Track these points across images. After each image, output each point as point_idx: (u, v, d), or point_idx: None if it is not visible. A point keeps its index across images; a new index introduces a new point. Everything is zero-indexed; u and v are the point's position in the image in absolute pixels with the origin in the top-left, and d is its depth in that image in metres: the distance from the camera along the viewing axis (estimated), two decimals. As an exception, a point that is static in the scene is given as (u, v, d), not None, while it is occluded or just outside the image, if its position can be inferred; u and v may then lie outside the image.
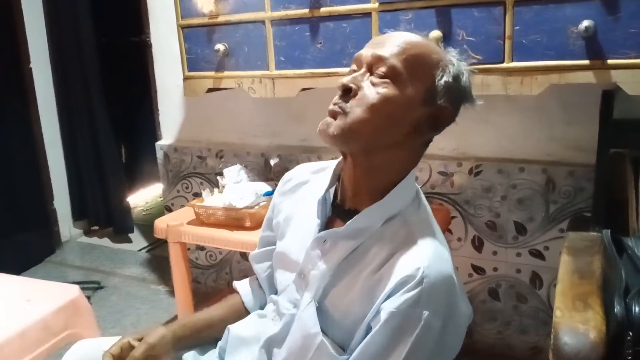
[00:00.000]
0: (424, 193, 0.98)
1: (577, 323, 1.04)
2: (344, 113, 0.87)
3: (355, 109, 0.86)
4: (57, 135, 3.22)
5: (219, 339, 1.11)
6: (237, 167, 2.04)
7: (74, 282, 1.46)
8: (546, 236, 1.83)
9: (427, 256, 0.83)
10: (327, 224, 0.98)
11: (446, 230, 1.93)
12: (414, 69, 0.87)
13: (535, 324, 1.92)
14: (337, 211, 0.97)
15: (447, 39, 1.49)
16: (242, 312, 1.16)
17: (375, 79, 0.87)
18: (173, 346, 1.05)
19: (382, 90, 0.86)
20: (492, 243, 1.92)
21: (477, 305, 1.97)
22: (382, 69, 0.87)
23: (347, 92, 0.88)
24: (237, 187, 1.92)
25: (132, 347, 1.02)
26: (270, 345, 1.01)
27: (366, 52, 0.90)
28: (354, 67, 0.92)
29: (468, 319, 0.90)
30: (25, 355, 1.23)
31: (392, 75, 0.86)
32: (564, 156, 1.78)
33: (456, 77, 0.90)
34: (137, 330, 1.08)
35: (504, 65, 1.45)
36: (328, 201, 0.98)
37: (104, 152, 3.23)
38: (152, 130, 2.62)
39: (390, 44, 0.89)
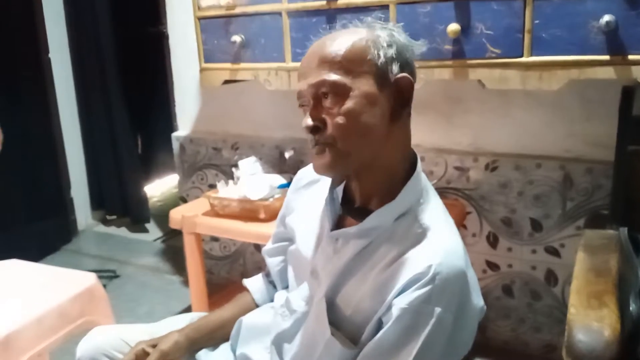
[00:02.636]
0: (439, 188, 0.97)
1: (591, 321, 1.03)
2: (331, 144, 0.86)
3: (337, 139, 0.86)
4: (76, 125, 3.26)
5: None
6: (252, 159, 2.05)
7: (90, 271, 1.48)
8: (562, 233, 1.81)
9: (439, 253, 0.82)
10: (338, 222, 0.98)
11: (461, 225, 1.92)
12: (350, 69, 0.85)
13: (550, 322, 1.90)
14: (347, 209, 0.97)
15: (465, 33, 1.47)
16: (253, 310, 1.17)
17: (328, 104, 0.86)
18: (187, 350, 1.08)
19: (343, 109, 0.85)
20: (507, 239, 1.91)
21: (491, 302, 1.96)
22: (325, 92, 0.86)
23: (317, 130, 0.87)
24: (252, 179, 1.93)
25: (146, 354, 1.03)
26: (281, 340, 1.02)
27: (302, 87, 0.89)
28: (302, 101, 0.90)
29: (480, 314, 0.89)
30: (42, 341, 1.25)
31: (338, 91, 0.85)
32: (582, 152, 1.76)
33: (391, 44, 0.88)
34: (152, 338, 1.08)
35: (523, 59, 1.43)
36: (337, 200, 0.98)
37: (121, 142, 3.27)
38: (168, 121, 2.64)
39: (313, 65, 0.87)
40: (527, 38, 1.41)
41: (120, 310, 1.45)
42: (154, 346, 1.04)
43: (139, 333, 1.13)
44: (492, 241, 1.93)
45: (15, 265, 1.51)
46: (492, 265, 1.95)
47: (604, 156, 1.68)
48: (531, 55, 1.42)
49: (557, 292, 1.87)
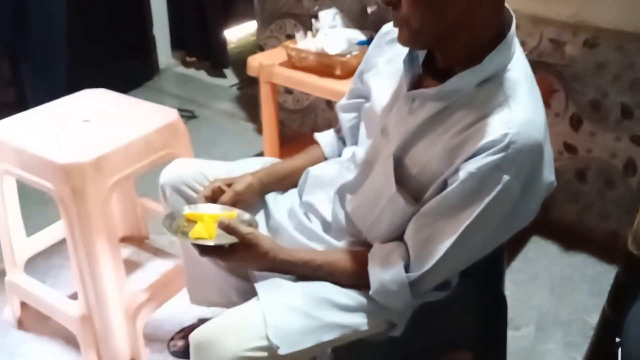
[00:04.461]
0: (530, 61, 0.90)
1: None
2: (406, 21, 0.83)
3: (410, 16, 0.82)
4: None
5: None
6: (333, 10, 1.97)
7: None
8: (654, 123, 1.70)
9: (518, 122, 0.80)
10: (417, 82, 0.95)
11: (546, 103, 1.81)
12: None
13: (618, 211, 1.86)
14: (428, 69, 0.93)
15: None
16: (322, 162, 1.21)
17: None
18: (258, 192, 1.15)
19: None
20: (592, 123, 1.81)
21: (560, 184, 1.90)
22: None
23: (394, 5, 0.83)
24: (331, 33, 1.88)
25: (222, 192, 1.10)
26: (344, 190, 1.05)
27: None
28: None
29: (549, 189, 0.88)
30: (129, 166, 1.36)
31: None
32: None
33: None
34: (228, 177, 1.14)
35: None
36: (417, 59, 0.94)
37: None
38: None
39: None
40: None
41: (197, 148, 1.54)
42: (229, 185, 1.12)
43: (217, 169, 1.21)
44: (575, 123, 1.83)
45: (104, 94, 1.60)
46: (570, 148, 1.88)
47: None
48: None
49: (632, 183, 1.80)
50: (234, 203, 1.08)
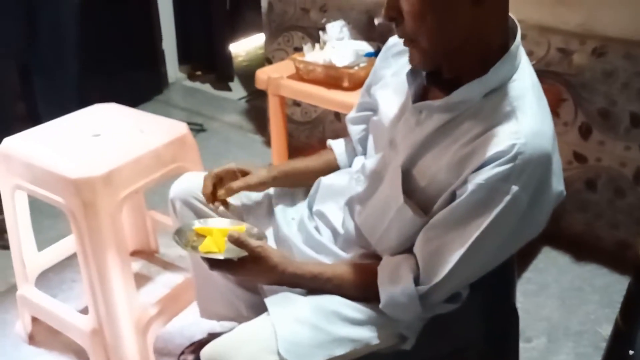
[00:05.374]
0: (537, 70, 0.90)
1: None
2: (414, 40, 0.84)
3: (415, 33, 0.83)
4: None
5: (309, 186, 1.19)
6: (340, 22, 1.98)
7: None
8: (664, 132, 1.69)
9: (525, 133, 0.79)
10: (423, 93, 0.95)
11: (554, 113, 1.81)
12: None
13: (629, 220, 1.85)
14: (433, 80, 0.93)
15: None
16: (334, 169, 1.21)
17: None
18: (269, 187, 1.16)
19: (416, 5, 0.80)
20: (601, 132, 1.80)
21: (570, 194, 1.89)
22: None
23: (396, 21, 0.84)
24: (339, 45, 1.89)
25: (234, 177, 1.11)
26: (353, 202, 1.06)
27: None
28: None
29: (558, 199, 0.87)
30: (139, 180, 1.37)
31: None
32: None
33: None
34: (246, 162, 1.16)
35: None
36: (420, 71, 0.94)
37: (211, -2, 3.24)
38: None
39: None
40: None
41: (206, 161, 1.55)
42: (243, 173, 1.13)
43: (226, 182, 1.21)
44: (584, 132, 1.83)
45: (114, 108, 1.61)
46: (580, 157, 1.87)
47: None
48: None
49: (644, 192, 1.79)
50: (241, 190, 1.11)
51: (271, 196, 1.23)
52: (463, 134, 0.85)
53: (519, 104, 0.83)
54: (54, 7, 1.89)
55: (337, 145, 1.24)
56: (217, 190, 1.11)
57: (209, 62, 3.47)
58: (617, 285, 1.77)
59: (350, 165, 1.20)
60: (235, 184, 1.10)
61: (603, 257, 1.90)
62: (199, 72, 3.54)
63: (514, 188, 0.79)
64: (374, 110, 1.09)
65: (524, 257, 1.92)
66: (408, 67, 0.95)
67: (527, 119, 0.81)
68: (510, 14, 0.87)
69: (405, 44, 0.88)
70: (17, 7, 1.80)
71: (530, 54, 1.81)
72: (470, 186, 0.82)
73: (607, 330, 1.24)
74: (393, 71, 1.05)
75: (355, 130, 1.19)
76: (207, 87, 3.45)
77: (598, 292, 1.78)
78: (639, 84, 1.69)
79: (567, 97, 1.82)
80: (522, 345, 1.34)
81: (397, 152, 0.95)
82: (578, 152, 1.87)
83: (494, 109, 0.84)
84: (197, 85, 3.48)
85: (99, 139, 1.43)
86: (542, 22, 1.80)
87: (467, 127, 0.85)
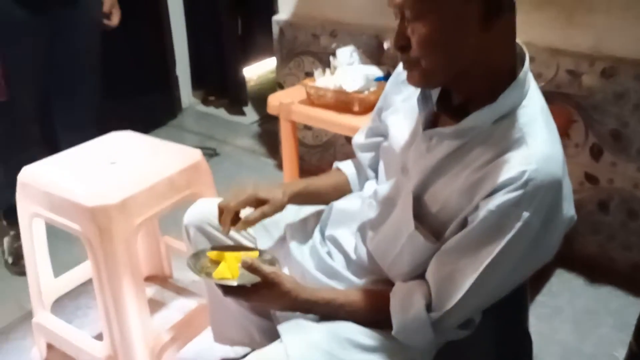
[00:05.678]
0: (547, 92, 0.92)
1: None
2: (417, 63, 0.86)
3: (421, 58, 0.84)
4: (180, 5, 3.32)
5: (320, 205, 1.20)
6: (351, 48, 2.01)
7: (193, 147, 1.58)
8: (676, 154, 1.68)
9: (536, 158, 0.80)
10: (433, 119, 0.96)
11: (564, 134, 1.82)
12: None
13: (643, 242, 1.83)
14: (443, 106, 0.95)
15: None
16: (346, 190, 1.22)
17: (411, 21, 0.83)
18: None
19: (423, 29, 0.82)
20: (613, 154, 1.80)
21: (583, 216, 1.90)
22: (408, 11, 0.82)
23: (404, 48, 0.86)
24: (349, 70, 1.91)
25: (253, 203, 1.08)
26: (365, 228, 1.06)
27: None
28: (394, 11, 0.87)
29: (569, 223, 0.88)
30: (155, 206, 1.39)
31: (419, 9, 0.81)
32: None
33: None
34: (261, 187, 1.12)
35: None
36: (431, 97, 0.96)
37: (223, 23, 3.30)
38: (269, 3, 2.61)
39: None
40: None
41: (219, 185, 1.57)
42: (259, 202, 1.08)
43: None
44: (596, 153, 1.82)
45: (130, 136, 1.65)
46: (591, 179, 1.86)
47: None
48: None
49: (657, 213, 1.78)
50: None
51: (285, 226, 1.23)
52: (474, 160, 0.86)
53: (528, 130, 0.84)
54: (72, 32, 1.95)
55: (347, 167, 1.24)
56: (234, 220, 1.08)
57: (222, 87, 3.52)
58: (631, 307, 1.75)
59: (361, 188, 1.21)
60: (253, 216, 1.07)
61: (617, 280, 1.87)
62: (212, 97, 3.60)
63: (525, 214, 0.80)
64: (384, 135, 1.10)
65: (537, 280, 1.90)
66: (418, 92, 0.96)
67: (537, 144, 0.82)
68: (519, 40, 0.88)
69: (405, 66, 0.90)
70: (37, 33, 1.86)
71: (539, 75, 1.83)
72: (482, 212, 0.82)
73: (622, 354, 1.23)
74: (403, 97, 1.07)
75: (364, 157, 1.20)
76: (220, 112, 3.49)
77: (612, 314, 1.76)
78: (650, 105, 1.69)
79: (577, 119, 1.82)
80: (537, 369, 1.32)
81: (409, 178, 0.96)
82: (590, 174, 1.86)
83: (504, 135, 0.85)
84: (211, 110, 3.53)
85: (115, 167, 1.46)
86: (552, 45, 1.81)
87: (477, 153, 0.86)
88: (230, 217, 1.07)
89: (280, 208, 1.11)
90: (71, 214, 1.33)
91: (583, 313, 1.78)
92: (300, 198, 1.17)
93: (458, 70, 0.86)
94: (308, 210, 1.26)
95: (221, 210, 1.08)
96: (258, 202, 1.08)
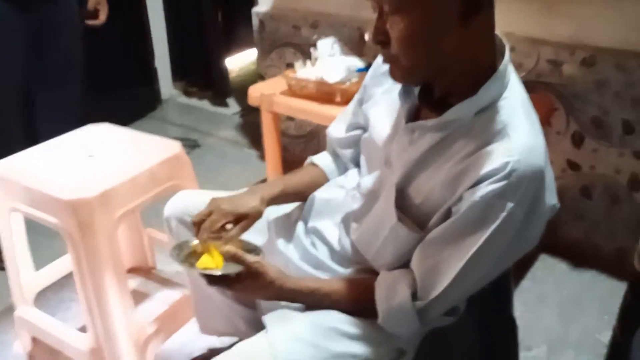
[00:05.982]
0: (528, 81, 0.92)
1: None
2: (396, 59, 0.86)
3: (400, 55, 0.84)
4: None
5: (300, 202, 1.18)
6: (332, 39, 2.00)
7: (174, 138, 1.57)
8: (656, 139, 1.70)
9: (518, 149, 0.81)
10: (415, 112, 0.96)
11: (546, 122, 1.84)
12: None
13: (625, 228, 1.86)
14: (425, 99, 0.95)
15: None
16: (323, 181, 1.20)
17: (390, 15, 0.83)
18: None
19: (402, 26, 0.82)
20: (594, 140, 1.81)
21: (566, 203, 1.91)
22: (386, 5, 0.82)
23: (382, 43, 0.86)
24: (330, 61, 1.90)
25: (233, 221, 1.04)
26: (349, 219, 1.06)
27: None
28: (372, 4, 0.87)
29: (551, 212, 0.89)
30: (135, 198, 1.37)
31: (397, 2, 0.81)
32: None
33: None
34: (236, 201, 1.08)
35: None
36: (412, 91, 0.96)
37: (204, 14, 3.26)
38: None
39: None
40: None
41: (201, 177, 1.56)
42: (233, 220, 1.04)
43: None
44: (577, 141, 1.84)
45: (109, 129, 1.62)
46: (573, 165, 1.88)
47: None
48: None
49: (638, 198, 1.80)
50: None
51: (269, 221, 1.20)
52: (456, 152, 0.87)
53: (510, 122, 0.84)
54: (54, 27, 1.92)
55: (320, 159, 1.22)
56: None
57: (204, 78, 3.49)
58: (616, 291, 1.76)
59: (340, 174, 1.19)
60: (231, 234, 1.03)
61: (601, 264, 1.90)
62: (194, 89, 3.56)
63: (509, 205, 0.80)
64: (364, 128, 1.10)
65: (522, 265, 1.92)
66: (399, 85, 0.96)
67: (519, 136, 0.83)
68: (499, 31, 0.88)
69: (385, 61, 0.90)
70: (19, 28, 1.83)
71: (520, 65, 1.84)
72: (466, 203, 0.83)
73: (607, 337, 1.25)
74: (384, 89, 1.06)
75: (345, 153, 1.18)
76: (202, 103, 3.46)
77: (597, 299, 1.78)
78: (631, 93, 1.70)
79: (559, 107, 1.84)
80: (522, 354, 1.34)
81: (393, 170, 0.96)
82: (572, 160, 1.88)
83: (486, 127, 0.85)
84: (193, 101, 3.49)
85: (93, 160, 1.43)
86: (532, 34, 1.82)
87: (459, 146, 0.86)
88: (206, 236, 1.02)
89: (259, 216, 1.07)
90: (50, 208, 1.31)
91: (568, 298, 1.80)
92: (279, 200, 1.15)
93: (438, 67, 0.85)
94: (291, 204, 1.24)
95: (197, 225, 1.03)
96: (237, 219, 1.04)
